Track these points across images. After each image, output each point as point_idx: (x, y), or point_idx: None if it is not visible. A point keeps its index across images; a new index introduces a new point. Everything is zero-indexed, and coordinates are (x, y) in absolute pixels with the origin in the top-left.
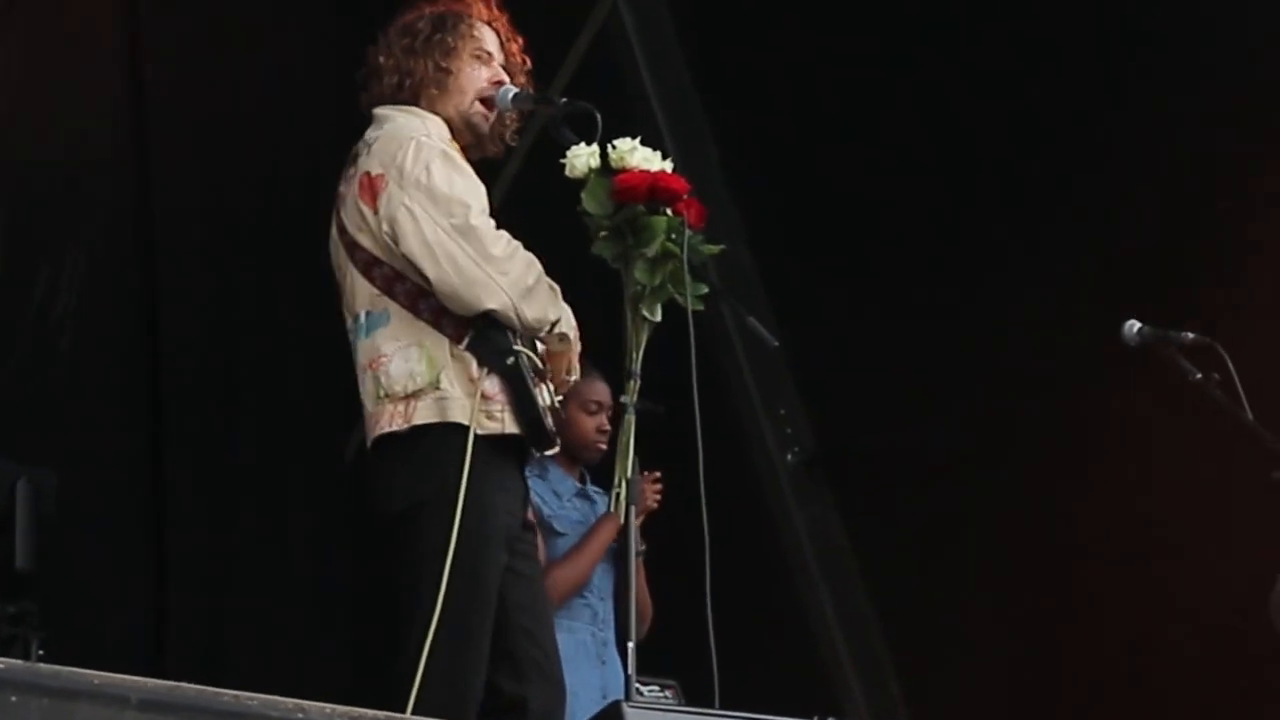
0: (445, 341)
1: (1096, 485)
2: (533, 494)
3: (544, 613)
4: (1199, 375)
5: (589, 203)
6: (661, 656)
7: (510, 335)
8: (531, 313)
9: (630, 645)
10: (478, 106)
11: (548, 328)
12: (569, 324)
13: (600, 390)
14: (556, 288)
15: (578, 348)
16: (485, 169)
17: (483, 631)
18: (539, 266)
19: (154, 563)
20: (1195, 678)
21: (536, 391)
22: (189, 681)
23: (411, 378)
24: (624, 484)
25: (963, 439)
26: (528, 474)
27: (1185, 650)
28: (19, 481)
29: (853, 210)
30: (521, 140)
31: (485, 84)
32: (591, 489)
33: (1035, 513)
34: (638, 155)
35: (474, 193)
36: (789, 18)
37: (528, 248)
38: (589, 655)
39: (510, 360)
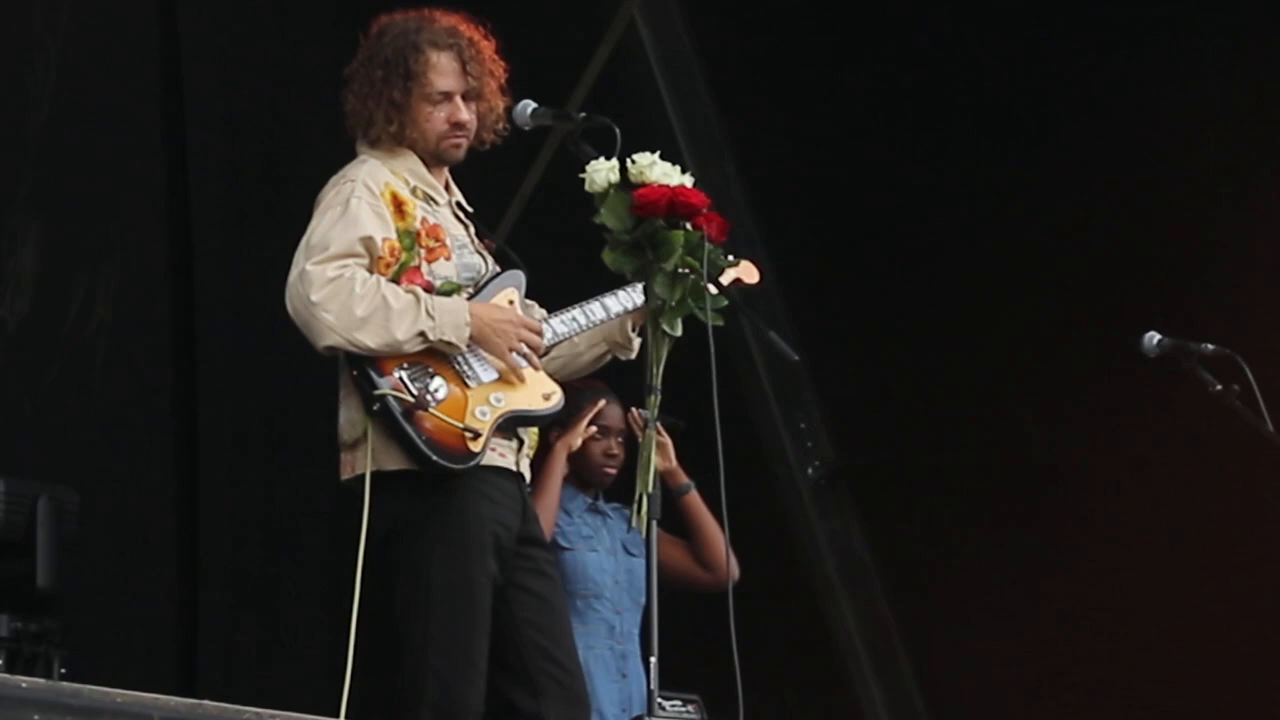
0: None
1: (1119, 498)
2: None
3: (561, 630)
4: (1219, 386)
5: (608, 217)
6: (684, 670)
7: (375, 377)
8: (373, 340)
9: (652, 660)
10: (444, 144)
11: (416, 342)
12: (450, 327)
13: (608, 414)
14: (421, 296)
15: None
16: (503, 186)
17: (477, 640)
18: (380, 290)
19: (180, 581)
20: (1221, 692)
21: (411, 425)
22: (212, 699)
23: (351, 426)
24: (644, 498)
25: (984, 452)
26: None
27: (1209, 664)
28: (40, 500)
29: (872, 223)
30: (540, 155)
31: (443, 124)
32: (605, 504)
33: (1057, 525)
34: (657, 170)
35: (340, 237)
36: (807, 31)
37: (546, 261)
38: (607, 669)
39: (376, 406)
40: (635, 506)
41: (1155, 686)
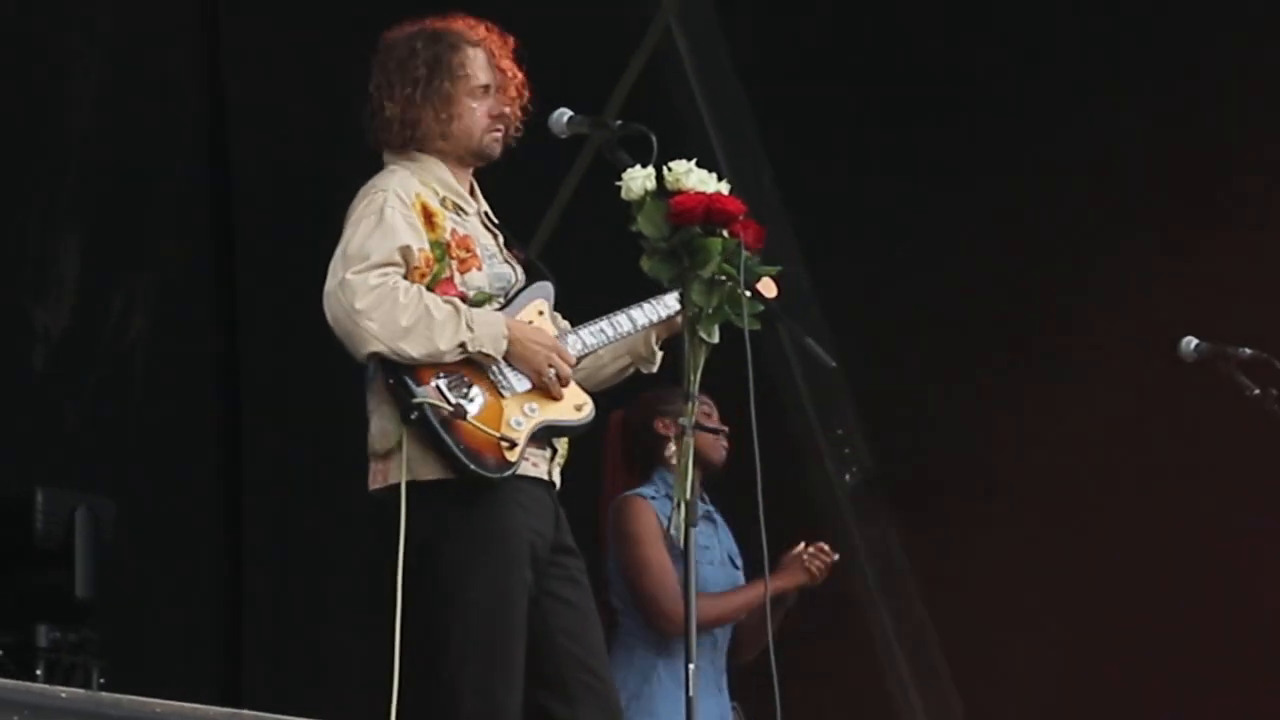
0: None
1: (1157, 505)
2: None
3: (595, 638)
4: (1256, 390)
5: (645, 225)
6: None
7: (413, 385)
8: (416, 349)
9: (690, 667)
10: (487, 138)
11: (456, 352)
12: (488, 339)
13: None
14: (460, 308)
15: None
16: (540, 195)
17: (514, 648)
18: (423, 300)
19: (222, 589)
20: (1257, 699)
21: (449, 434)
22: (252, 709)
23: (385, 436)
24: (683, 506)
25: (1022, 458)
26: (654, 494)
27: (1246, 671)
28: (78, 510)
29: (908, 229)
30: (576, 164)
31: (485, 119)
32: (715, 512)
33: (1095, 532)
34: (694, 177)
35: (379, 247)
36: (842, 37)
37: (583, 268)
38: (709, 683)
39: (414, 415)
40: (673, 512)
41: (1191, 691)
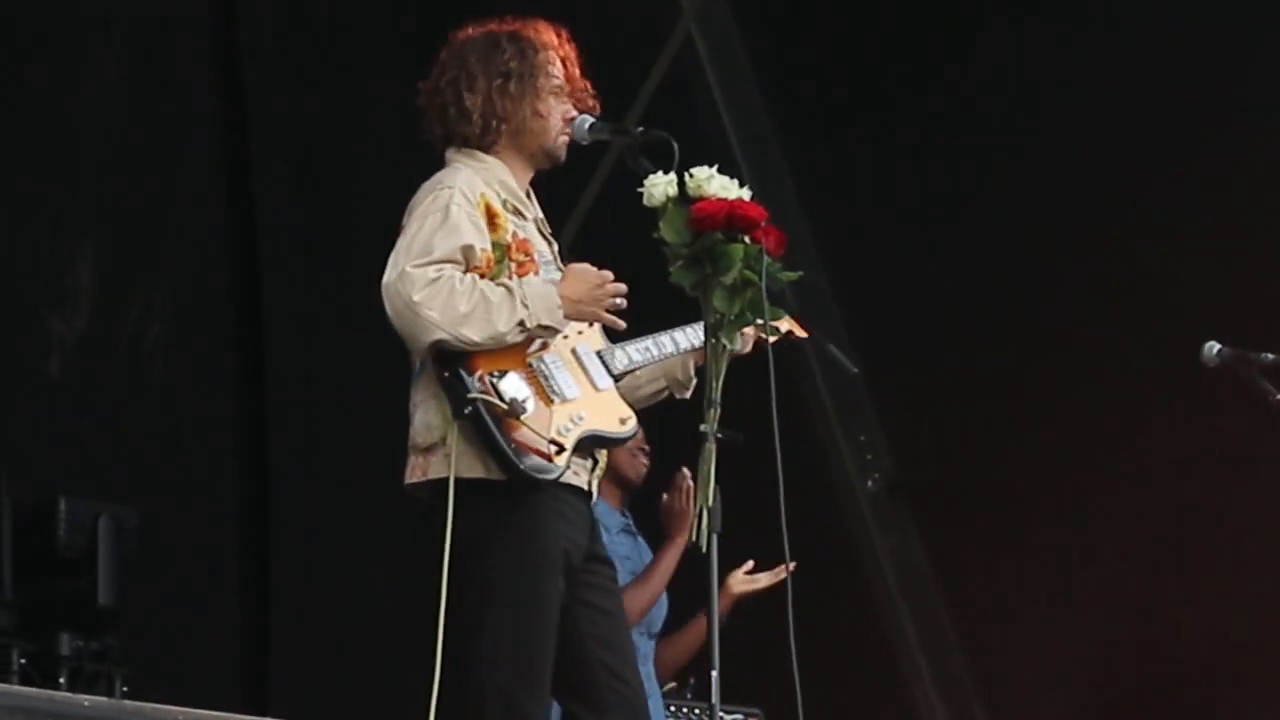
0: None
1: (1181, 510)
2: None
3: (624, 646)
4: (1278, 395)
5: (667, 231)
6: (746, 684)
7: (468, 380)
8: (477, 333)
9: (714, 674)
10: (560, 140)
11: (516, 331)
12: (544, 311)
13: None
14: (513, 287)
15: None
16: (561, 201)
17: (544, 656)
18: (477, 286)
19: (246, 596)
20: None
21: (500, 431)
22: (276, 717)
23: (429, 430)
24: (705, 512)
25: (1043, 463)
26: None
27: (1272, 679)
28: (100, 519)
29: (930, 235)
30: (598, 170)
31: (560, 120)
32: (635, 527)
33: (1116, 537)
34: (715, 183)
35: (442, 244)
36: (863, 43)
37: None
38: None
39: (467, 410)
40: (695, 520)
41: (1216, 696)
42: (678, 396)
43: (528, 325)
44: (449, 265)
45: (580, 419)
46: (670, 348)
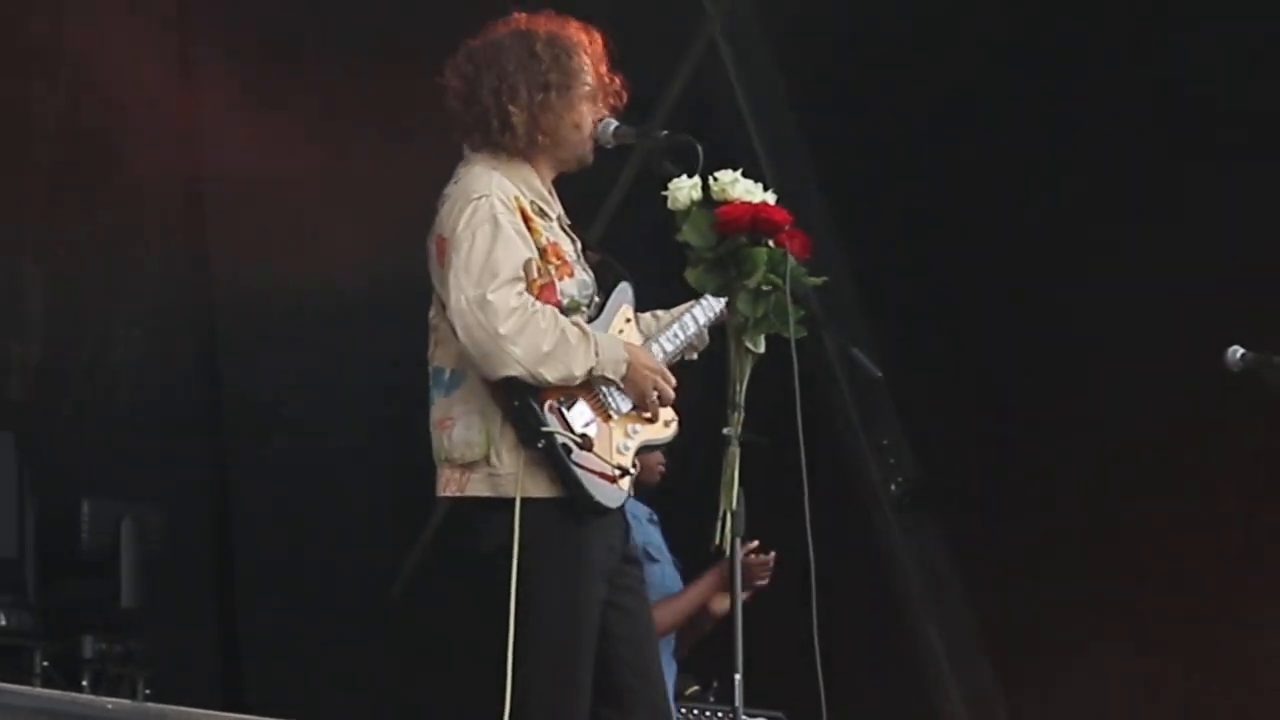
0: (500, 412)
1: (1206, 514)
2: None
3: (648, 645)
4: None
5: (691, 235)
6: (769, 687)
7: (540, 411)
8: (553, 374)
9: (737, 677)
10: (589, 145)
11: (584, 376)
12: (610, 364)
13: None
14: (588, 333)
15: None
16: (587, 203)
17: (584, 664)
18: (559, 324)
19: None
20: None
21: (574, 464)
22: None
23: (469, 447)
24: (728, 516)
25: (1067, 467)
26: None
27: None
28: (124, 520)
29: (954, 240)
30: (623, 173)
31: (591, 124)
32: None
33: (1141, 540)
34: (740, 187)
35: (507, 261)
36: (886, 46)
37: (629, 278)
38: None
39: (541, 444)
40: (720, 523)
41: (1241, 699)
42: (689, 357)
43: (595, 373)
44: (520, 285)
45: (635, 432)
46: (693, 327)
